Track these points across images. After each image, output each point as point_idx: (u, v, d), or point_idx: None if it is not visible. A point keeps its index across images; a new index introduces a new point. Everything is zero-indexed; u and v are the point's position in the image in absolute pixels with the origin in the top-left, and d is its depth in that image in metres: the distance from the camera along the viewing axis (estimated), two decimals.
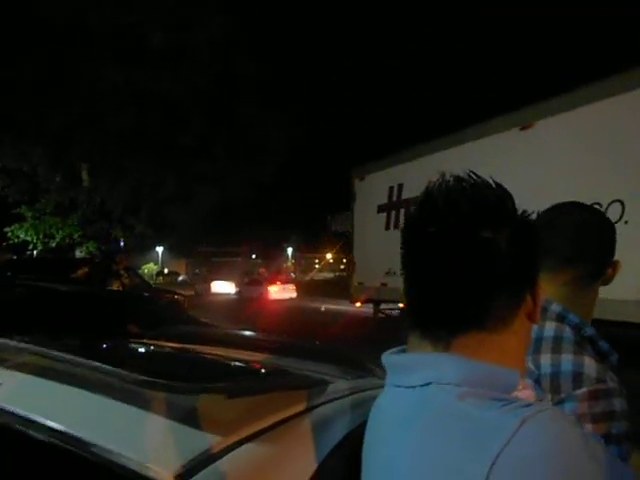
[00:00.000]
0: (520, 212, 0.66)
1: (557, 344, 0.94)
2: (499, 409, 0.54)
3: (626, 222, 4.68)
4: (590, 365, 0.90)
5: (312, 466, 0.77)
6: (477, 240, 0.60)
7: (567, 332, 0.95)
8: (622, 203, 4.75)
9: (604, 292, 1.07)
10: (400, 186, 8.04)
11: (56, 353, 1.12)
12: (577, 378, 0.89)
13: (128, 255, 13.49)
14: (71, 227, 12.49)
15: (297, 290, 25.50)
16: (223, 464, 0.70)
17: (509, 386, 0.60)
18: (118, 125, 11.04)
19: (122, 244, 13.34)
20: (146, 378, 0.95)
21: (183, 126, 11.75)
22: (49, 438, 0.77)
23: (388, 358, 0.66)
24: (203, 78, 11.95)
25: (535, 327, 0.81)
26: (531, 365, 0.93)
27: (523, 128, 5.97)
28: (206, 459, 0.70)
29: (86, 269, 7.89)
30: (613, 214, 4.81)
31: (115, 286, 7.94)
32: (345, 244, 15.76)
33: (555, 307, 0.98)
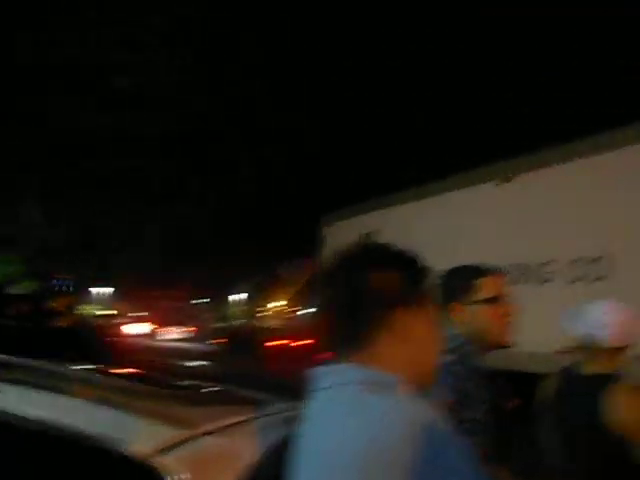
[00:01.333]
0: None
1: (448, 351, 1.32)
2: (384, 396, 0.79)
3: (610, 278, 4.76)
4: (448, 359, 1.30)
5: (252, 458, 1.06)
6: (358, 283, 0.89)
7: (455, 341, 1.43)
8: (606, 259, 4.85)
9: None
10: (375, 233, 8.02)
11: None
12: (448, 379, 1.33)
13: (70, 294, 12.85)
14: (9, 263, 11.83)
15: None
16: (188, 448, 1.03)
17: (390, 385, 0.82)
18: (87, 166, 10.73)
19: (65, 283, 12.76)
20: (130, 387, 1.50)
21: (153, 169, 11.59)
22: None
23: (312, 371, 0.90)
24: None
25: None
26: None
27: (502, 181, 6.11)
28: (176, 443, 1.02)
29: (23, 305, 7.95)
30: (596, 271, 4.92)
31: (59, 322, 7.87)
32: (300, 292, 15.67)
33: (450, 331, 1.47)
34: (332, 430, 0.79)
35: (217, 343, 18.16)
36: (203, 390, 1.83)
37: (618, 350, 1.92)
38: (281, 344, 14.82)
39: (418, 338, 0.88)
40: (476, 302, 1.53)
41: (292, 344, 14.30)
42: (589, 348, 1.94)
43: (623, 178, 4.82)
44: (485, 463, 0.87)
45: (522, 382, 4.38)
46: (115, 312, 42.13)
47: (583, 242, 5.05)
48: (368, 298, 0.87)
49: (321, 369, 0.88)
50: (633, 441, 1.78)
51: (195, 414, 1.23)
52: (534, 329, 4.78)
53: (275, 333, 16.43)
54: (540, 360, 4.45)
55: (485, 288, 1.55)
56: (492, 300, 1.53)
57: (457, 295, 1.54)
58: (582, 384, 1.94)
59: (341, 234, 9.07)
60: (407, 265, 0.93)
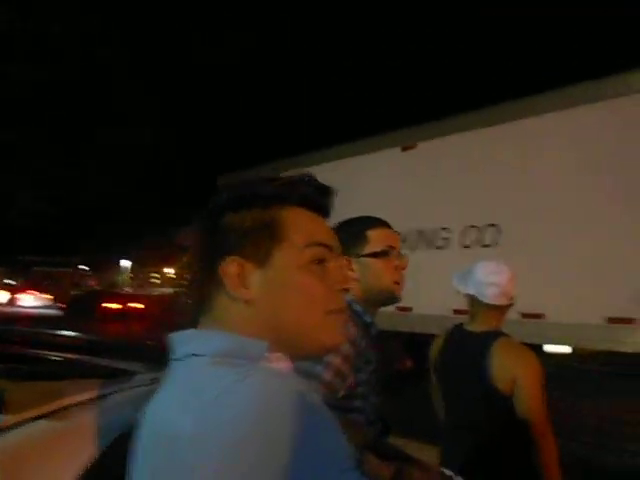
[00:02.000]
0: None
1: None
2: (226, 372, 0.61)
3: (499, 245, 5.09)
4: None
5: (98, 446, 0.85)
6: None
7: None
8: (497, 227, 5.17)
9: None
10: None
11: None
12: None
13: None
14: None
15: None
16: (8, 438, 0.82)
17: (254, 356, 0.66)
18: None
19: None
20: None
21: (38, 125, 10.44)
22: None
23: (169, 337, 0.72)
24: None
25: None
26: None
27: (405, 149, 6.25)
28: None
29: None
30: (488, 237, 5.24)
31: None
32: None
33: None
34: (163, 412, 0.64)
35: (62, 308, 18.42)
36: (45, 361, 1.56)
37: (501, 308, 2.04)
38: (118, 308, 15.42)
39: (285, 295, 0.70)
40: (366, 255, 1.44)
41: (129, 307, 15.51)
42: (475, 307, 2.07)
43: (514, 151, 5.12)
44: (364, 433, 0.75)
45: (420, 344, 4.57)
46: None
47: (476, 210, 5.33)
48: (217, 248, 0.71)
49: (176, 336, 0.72)
50: (515, 395, 1.89)
51: (27, 392, 1.05)
52: (431, 292, 5.05)
53: (118, 297, 16.98)
54: (436, 322, 4.67)
55: (376, 240, 1.46)
56: (383, 253, 1.45)
57: (346, 248, 1.38)
58: (468, 341, 2.05)
59: None
60: (272, 203, 0.74)
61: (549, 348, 5.37)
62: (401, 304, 5.95)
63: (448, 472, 0.65)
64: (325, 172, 7.90)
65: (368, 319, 1.40)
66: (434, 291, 4.87)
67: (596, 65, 5.46)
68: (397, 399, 4.66)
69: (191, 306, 0.73)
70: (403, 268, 1.48)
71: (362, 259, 1.44)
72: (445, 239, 5.59)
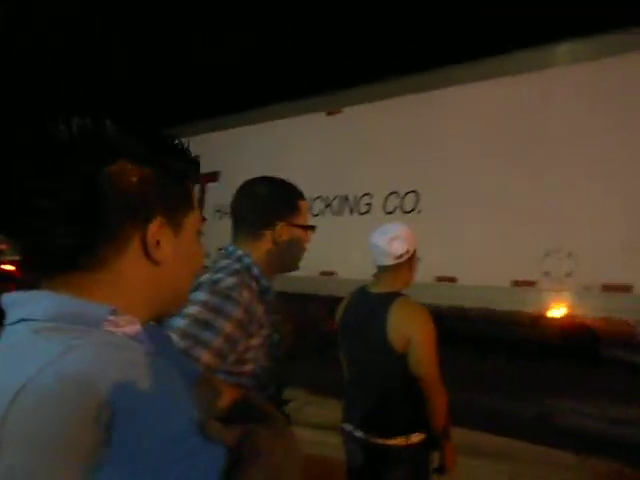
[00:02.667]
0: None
1: (219, 271, 1.28)
2: (57, 339, 0.57)
3: (419, 211, 5.30)
4: (229, 280, 1.24)
5: None
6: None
7: (234, 265, 1.32)
8: (417, 193, 5.35)
9: None
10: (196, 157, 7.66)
11: None
12: (214, 282, 1.23)
13: None
14: None
15: None
16: None
17: (94, 320, 0.62)
18: None
19: None
20: None
21: None
22: None
23: (2, 298, 0.66)
24: None
25: (214, 267, 1.29)
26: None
27: (330, 113, 6.24)
28: None
29: None
30: (409, 204, 5.42)
31: None
32: None
33: (238, 252, 1.37)
34: None
35: None
36: None
37: (395, 268, 2.14)
38: None
39: (188, 259, 0.74)
40: (298, 225, 1.43)
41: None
42: (377, 269, 2.19)
43: (433, 119, 5.27)
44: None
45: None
46: None
47: (397, 177, 5.47)
48: (88, 200, 0.63)
49: (9, 298, 0.65)
50: (409, 353, 2.01)
51: None
52: (355, 257, 5.16)
53: None
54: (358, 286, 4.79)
55: (305, 212, 1.46)
56: (311, 227, 1.46)
57: (281, 214, 1.41)
58: (368, 302, 2.16)
59: None
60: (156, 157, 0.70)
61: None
62: (326, 268, 6.09)
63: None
64: (250, 134, 7.80)
65: (266, 283, 1.37)
66: (358, 256, 5.00)
67: (517, 38, 5.65)
68: (324, 360, 4.79)
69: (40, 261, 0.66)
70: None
71: (291, 228, 1.42)
72: (368, 205, 5.70)
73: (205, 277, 1.26)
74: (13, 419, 0.52)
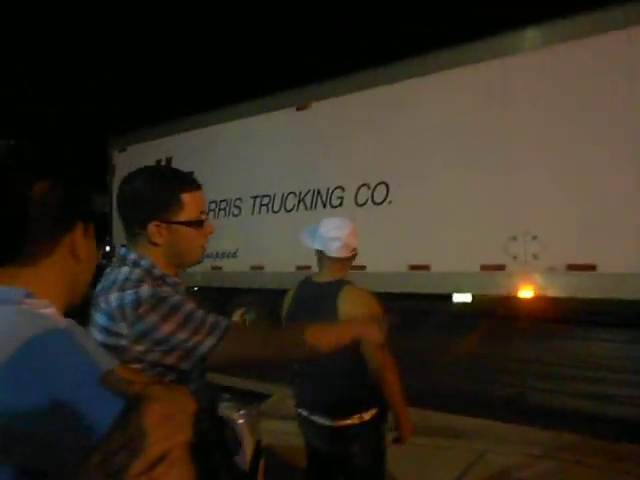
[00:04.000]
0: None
1: (124, 283, 1.22)
2: None
3: (390, 202, 5.40)
4: (146, 290, 1.20)
5: None
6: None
7: (135, 274, 1.25)
8: (387, 185, 5.45)
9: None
10: (169, 160, 7.61)
11: None
12: (136, 302, 1.18)
13: None
14: None
15: None
16: None
17: (10, 301, 0.74)
18: None
19: None
20: None
21: None
22: None
23: None
24: None
25: (114, 272, 1.27)
26: (103, 304, 1.20)
27: (300, 108, 6.28)
28: None
29: None
30: (379, 195, 5.51)
31: None
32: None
33: (131, 255, 1.30)
34: None
35: None
36: None
37: (345, 260, 2.25)
38: None
39: (85, 257, 0.87)
40: (181, 223, 1.32)
41: None
42: (321, 260, 2.28)
43: (401, 111, 5.36)
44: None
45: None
46: None
47: (368, 169, 5.56)
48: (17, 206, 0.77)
49: None
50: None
51: None
52: None
53: None
54: None
55: (191, 206, 1.33)
56: (198, 223, 1.35)
57: (158, 211, 1.30)
58: (315, 291, 2.24)
59: (133, 160, 8.40)
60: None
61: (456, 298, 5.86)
62: (303, 263, 6.10)
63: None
64: (221, 133, 7.79)
65: (172, 280, 1.32)
66: None
67: (482, 27, 5.73)
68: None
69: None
70: (211, 233, 1.41)
71: (175, 226, 1.31)
72: (340, 198, 5.78)
73: (114, 291, 1.23)
74: None
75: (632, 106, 4.18)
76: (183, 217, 1.32)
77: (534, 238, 4.58)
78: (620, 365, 6.26)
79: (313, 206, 5.95)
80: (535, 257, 4.58)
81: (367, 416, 2.14)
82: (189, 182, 1.36)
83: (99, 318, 1.21)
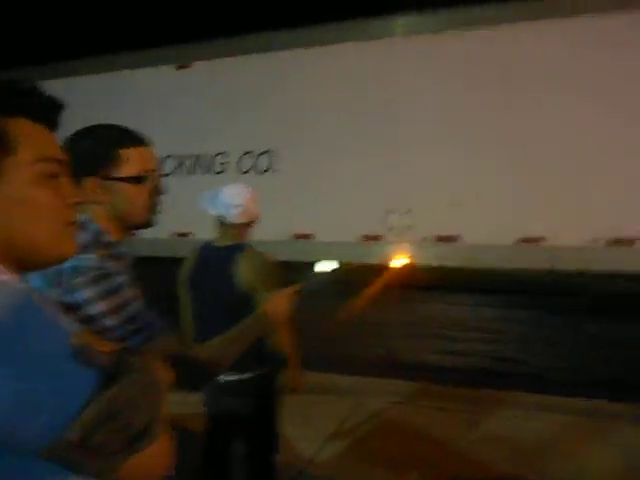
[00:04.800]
0: None
1: None
2: None
3: (274, 171, 5.37)
4: (90, 258, 1.12)
5: None
6: None
7: (81, 238, 1.11)
8: (271, 153, 5.40)
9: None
10: None
11: None
12: (75, 270, 1.09)
13: None
14: None
15: None
16: None
17: None
18: None
19: None
20: None
21: None
22: None
23: None
24: None
25: None
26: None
27: (180, 67, 5.93)
28: None
29: None
30: (263, 163, 5.45)
31: None
32: None
33: (81, 217, 1.17)
34: None
35: None
36: None
37: (245, 226, 2.36)
38: None
39: (20, 209, 0.71)
40: (119, 179, 1.24)
41: None
42: (222, 226, 2.34)
43: (285, 78, 5.31)
44: None
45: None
46: None
47: (251, 136, 5.46)
48: None
49: None
50: (255, 292, 2.21)
51: None
52: (211, 217, 5.08)
53: None
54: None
55: (131, 162, 1.25)
56: (138, 179, 1.26)
57: (96, 167, 1.23)
58: (216, 256, 2.31)
59: None
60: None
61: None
62: (182, 230, 5.96)
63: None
64: (93, 84, 7.10)
65: (117, 252, 1.24)
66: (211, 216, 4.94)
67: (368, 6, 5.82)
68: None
69: None
70: (161, 193, 1.33)
71: (113, 183, 1.24)
72: (223, 164, 5.62)
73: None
74: None
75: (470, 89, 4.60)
76: (122, 174, 1.24)
77: (408, 211, 4.88)
78: (475, 325, 7.04)
79: (194, 170, 5.72)
80: (409, 228, 4.89)
81: (262, 371, 2.28)
82: (131, 137, 1.29)
83: (34, 279, 1.07)
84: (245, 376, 2.24)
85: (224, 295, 2.22)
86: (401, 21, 4.99)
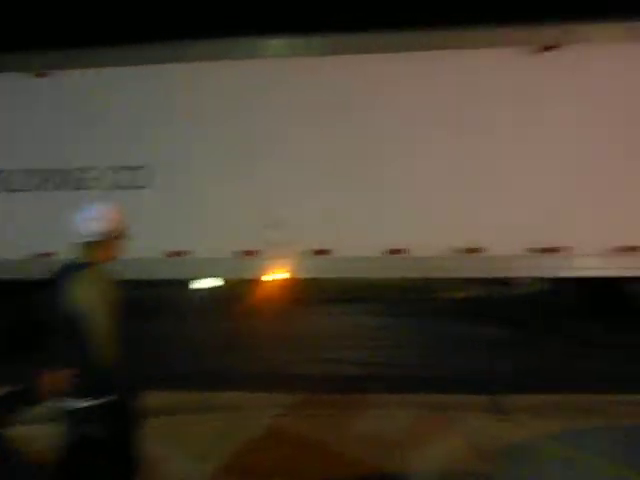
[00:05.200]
0: None
1: None
2: None
3: (148, 187, 5.20)
4: None
5: None
6: None
7: None
8: (145, 169, 5.22)
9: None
10: None
11: None
12: None
13: None
14: None
15: None
16: None
17: None
18: None
19: None
20: None
21: None
22: None
23: None
24: None
25: None
26: None
27: (39, 75, 5.50)
28: None
29: None
30: (136, 179, 5.23)
31: None
32: None
33: None
34: None
35: None
36: None
37: (106, 243, 2.35)
38: None
39: None
40: None
41: None
42: (83, 243, 2.35)
43: (153, 94, 5.22)
44: None
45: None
46: None
47: (126, 151, 5.24)
48: None
49: None
50: (88, 312, 2.18)
51: None
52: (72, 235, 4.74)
53: None
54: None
55: None
56: None
57: None
58: (64, 275, 2.30)
59: None
60: None
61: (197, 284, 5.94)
62: (43, 250, 5.41)
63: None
64: None
65: None
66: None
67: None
68: None
69: None
70: None
71: None
72: (94, 179, 5.31)
73: None
74: None
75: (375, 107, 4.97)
76: None
77: (284, 226, 5.03)
78: (350, 333, 7.38)
79: (59, 187, 5.33)
80: (286, 243, 5.04)
81: (103, 400, 2.20)
82: None
83: None
84: (96, 402, 2.18)
85: (61, 309, 2.22)
86: (274, 42, 5.18)
